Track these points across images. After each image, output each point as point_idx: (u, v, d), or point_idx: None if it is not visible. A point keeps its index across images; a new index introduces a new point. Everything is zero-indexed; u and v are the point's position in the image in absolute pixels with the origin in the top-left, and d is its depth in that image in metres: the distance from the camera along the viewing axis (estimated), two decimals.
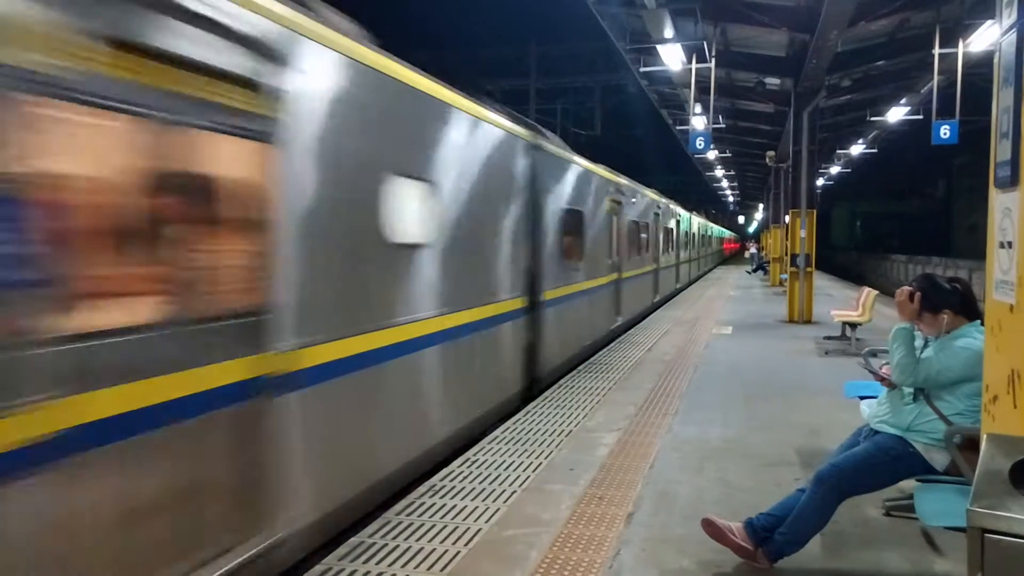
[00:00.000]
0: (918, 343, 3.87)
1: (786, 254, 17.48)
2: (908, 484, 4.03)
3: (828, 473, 3.69)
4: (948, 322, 3.76)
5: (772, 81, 18.01)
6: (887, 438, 3.73)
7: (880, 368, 4.06)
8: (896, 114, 20.42)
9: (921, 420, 3.64)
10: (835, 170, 35.05)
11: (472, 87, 7.07)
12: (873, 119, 22.16)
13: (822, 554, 3.95)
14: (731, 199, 65.56)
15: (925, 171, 47.22)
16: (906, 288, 3.85)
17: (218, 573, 3.16)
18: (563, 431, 6.42)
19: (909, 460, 3.66)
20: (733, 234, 72.93)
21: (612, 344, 11.75)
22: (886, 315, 15.46)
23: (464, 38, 24.92)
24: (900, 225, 50.44)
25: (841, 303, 16.22)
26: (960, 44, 14.05)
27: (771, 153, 22.34)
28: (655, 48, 14.41)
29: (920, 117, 20.25)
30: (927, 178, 49.92)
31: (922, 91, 18.50)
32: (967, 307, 3.79)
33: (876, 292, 12.04)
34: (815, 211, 15.24)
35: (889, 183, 51.12)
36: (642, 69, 17.38)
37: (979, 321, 3.75)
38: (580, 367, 9.63)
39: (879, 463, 3.69)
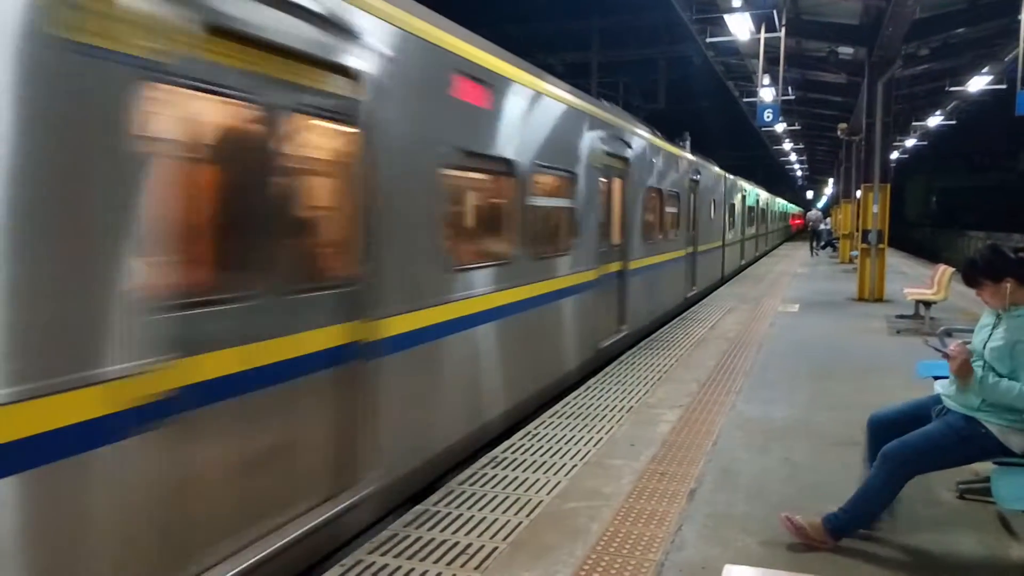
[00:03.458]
0: (988, 320, 3.71)
1: (857, 230, 16.95)
2: (984, 466, 3.91)
3: (894, 450, 3.61)
4: (1012, 292, 3.59)
5: (845, 51, 17.37)
6: (958, 418, 3.61)
7: (948, 346, 3.92)
8: (977, 84, 19.47)
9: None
10: (910, 143, 33.70)
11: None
12: (952, 89, 21.16)
13: (893, 536, 3.87)
14: (799, 173, 63.76)
15: (1007, 143, 44.96)
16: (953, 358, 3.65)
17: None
18: (624, 407, 6.42)
19: (982, 441, 3.53)
20: (801, 209, 70.97)
21: (674, 321, 11.65)
22: (961, 293, 14.91)
23: (526, 11, 24.69)
24: (978, 200, 48.15)
25: (915, 281, 15.68)
26: None
27: (843, 125, 21.57)
28: (722, 18, 14.05)
29: (1003, 87, 19.26)
30: (1009, 151, 47.52)
31: (1005, 59, 17.57)
32: None
33: (952, 269, 11.60)
34: (888, 185, 14.71)
35: (968, 156, 48.93)
36: (708, 40, 16.97)
37: None
38: (642, 343, 9.59)
39: (949, 443, 3.58)
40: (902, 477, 3.60)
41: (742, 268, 22.62)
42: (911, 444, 3.62)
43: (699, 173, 14.39)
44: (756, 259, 27.01)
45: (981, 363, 3.63)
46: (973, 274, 3.72)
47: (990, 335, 3.63)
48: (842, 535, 3.68)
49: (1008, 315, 3.61)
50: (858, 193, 17.41)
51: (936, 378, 5.32)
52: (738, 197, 21.44)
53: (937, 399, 3.83)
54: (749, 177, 28.34)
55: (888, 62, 14.54)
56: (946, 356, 3.81)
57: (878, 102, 14.62)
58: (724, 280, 18.41)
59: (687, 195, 13.35)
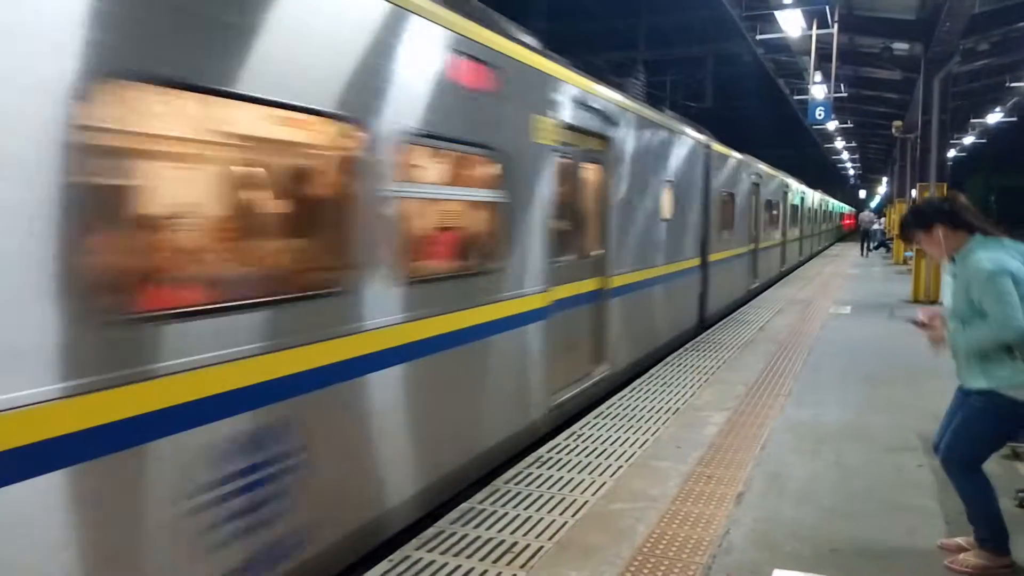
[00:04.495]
0: (948, 278, 3.63)
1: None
2: None
3: (947, 458, 3.58)
4: (947, 237, 3.55)
5: (900, 46, 16.95)
6: (980, 398, 3.49)
7: (919, 315, 3.81)
8: None
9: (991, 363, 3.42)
10: (968, 140, 32.76)
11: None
12: (1013, 85, 20.52)
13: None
14: (852, 172, 62.39)
15: None
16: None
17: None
18: (670, 408, 6.37)
19: (1012, 409, 3.40)
20: (853, 209, 69.59)
21: (721, 323, 11.52)
22: None
23: (572, 9, 24.63)
24: None
25: None
26: None
27: (898, 123, 21.12)
28: (772, 14, 13.84)
29: None
30: None
31: None
32: (960, 219, 3.54)
33: None
34: (945, 184, 14.31)
35: None
36: (758, 37, 16.73)
37: (978, 234, 3.51)
38: (687, 345, 9.50)
39: (989, 422, 3.49)
40: (974, 471, 3.51)
41: (784, 273, 17.90)
42: (955, 446, 3.55)
43: (616, 126, 7.36)
44: (804, 262, 23.80)
45: (958, 321, 3.53)
46: (906, 229, 3.77)
47: (953, 290, 3.57)
48: (1004, 551, 3.51)
49: (955, 264, 3.55)
50: (913, 192, 16.95)
51: None
52: (746, 184, 14.74)
53: (965, 391, 3.72)
54: (799, 175, 27.72)
55: (945, 58, 14.14)
56: (920, 325, 3.76)
57: (934, 99, 14.24)
58: (705, 325, 11.47)
59: (571, 168, 6.59)
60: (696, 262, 10.91)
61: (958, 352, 3.54)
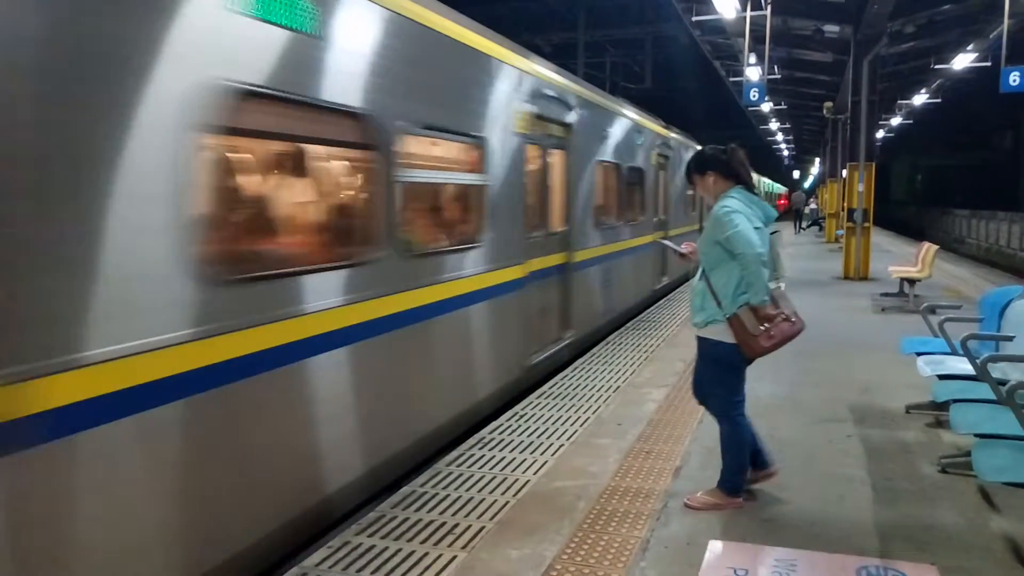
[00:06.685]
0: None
1: (843, 209, 17.02)
2: (966, 440, 3.95)
3: (706, 407, 4.13)
4: (716, 183, 3.99)
5: (831, 29, 17.33)
6: (699, 344, 4.06)
7: (682, 248, 4.37)
8: (962, 61, 19.49)
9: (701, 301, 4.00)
10: (896, 121, 33.76)
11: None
12: (938, 67, 21.19)
13: (874, 509, 3.92)
14: (786, 153, 63.83)
15: (992, 121, 45.07)
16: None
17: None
18: (611, 387, 6.44)
19: (714, 350, 3.93)
20: (787, 190, 71.19)
21: (660, 302, 11.70)
22: (946, 271, 15.02)
23: None
24: (964, 179, 48.39)
25: (899, 259, 15.78)
26: None
27: (829, 104, 21.65)
28: None
29: (988, 64, 19.30)
30: (994, 129, 47.65)
31: (991, 36, 17.60)
32: (730, 170, 3.96)
33: (936, 247, 11.68)
34: (874, 164, 14.75)
35: (953, 135, 49.03)
36: (694, 18, 16.90)
37: (741, 185, 3.96)
38: (628, 324, 9.61)
39: (712, 369, 4.01)
40: (732, 420, 3.94)
41: None
42: (706, 390, 4.08)
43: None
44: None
45: (703, 269, 4.09)
46: (688, 173, 4.16)
47: (701, 238, 4.06)
48: (735, 490, 3.96)
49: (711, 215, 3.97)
50: (844, 172, 17.44)
51: (919, 354, 5.39)
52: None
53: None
54: None
55: (874, 40, 14.54)
56: (682, 255, 4.34)
57: (863, 80, 14.63)
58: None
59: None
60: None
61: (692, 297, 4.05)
